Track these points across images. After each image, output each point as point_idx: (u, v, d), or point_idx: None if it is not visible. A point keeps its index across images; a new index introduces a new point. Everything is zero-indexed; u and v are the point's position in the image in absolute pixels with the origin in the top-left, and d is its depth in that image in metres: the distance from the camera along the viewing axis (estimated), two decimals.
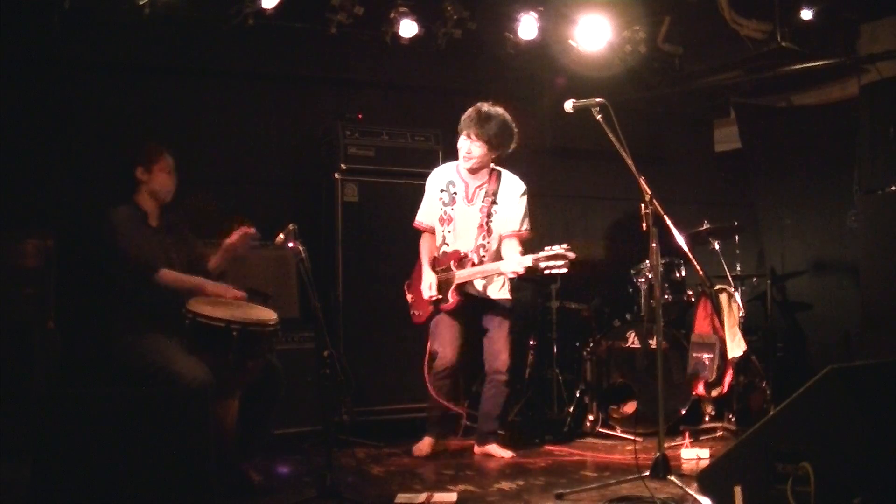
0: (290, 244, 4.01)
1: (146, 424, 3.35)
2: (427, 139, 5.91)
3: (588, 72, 6.29)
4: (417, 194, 5.80)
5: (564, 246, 4.48)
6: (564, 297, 5.98)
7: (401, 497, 3.97)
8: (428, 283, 4.88)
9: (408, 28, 5.76)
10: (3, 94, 5.09)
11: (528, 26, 5.98)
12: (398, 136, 5.84)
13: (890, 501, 2.71)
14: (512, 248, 4.85)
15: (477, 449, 5.02)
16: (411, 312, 5.07)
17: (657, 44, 6.43)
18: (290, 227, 4.03)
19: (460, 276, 4.82)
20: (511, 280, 4.92)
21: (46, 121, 5.28)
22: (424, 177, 5.68)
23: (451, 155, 6.00)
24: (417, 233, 5.78)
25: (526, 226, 4.93)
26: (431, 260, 4.98)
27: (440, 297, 4.87)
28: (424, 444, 5.00)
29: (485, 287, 4.90)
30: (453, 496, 4.01)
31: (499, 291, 4.94)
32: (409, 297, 5.09)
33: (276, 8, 5.33)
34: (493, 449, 4.96)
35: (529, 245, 4.93)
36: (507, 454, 4.93)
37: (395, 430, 5.46)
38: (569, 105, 4.23)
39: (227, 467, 3.96)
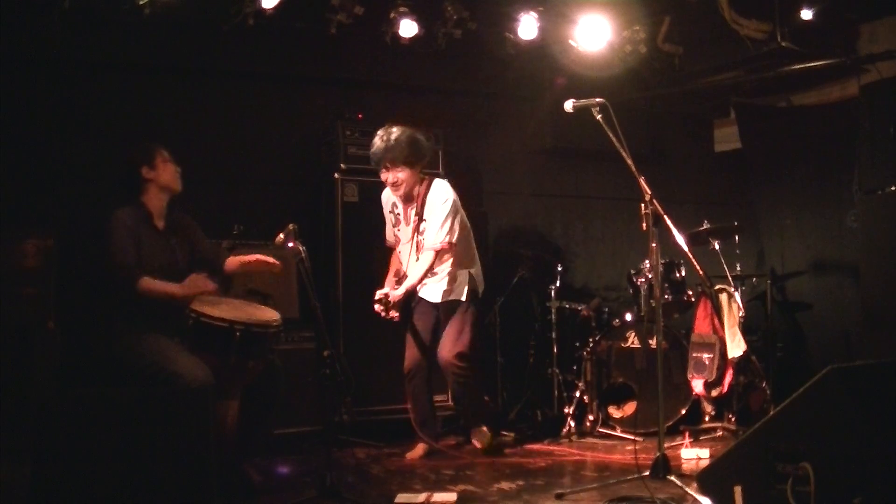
0: (290, 244, 4.01)
1: (146, 424, 3.35)
2: (427, 139, 5.89)
3: (588, 72, 6.29)
4: None
5: (383, 291, 4.73)
6: (564, 297, 5.98)
7: (401, 497, 3.98)
8: (378, 299, 4.82)
9: (408, 28, 5.76)
10: (4, 94, 5.08)
11: (528, 26, 5.98)
12: None
13: (890, 501, 2.71)
14: (422, 262, 4.84)
15: (473, 441, 5.05)
16: None
17: (657, 44, 6.43)
18: (290, 227, 4.03)
19: (391, 293, 4.81)
20: (449, 279, 4.93)
21: (47, 121, 5.28)
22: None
23: (451, 155, 6.02)
24: None
25: (442, 238, 4.82)
26: (394, 273, 5.02)
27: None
28: (417, 450, 5.00)
29: (420, 290, 4.93)
30: (453, 496, 4.01)
31: (432, 295, 4.95)
32: None
33: (276, 8, 5.32)
34: (478, 434, 4.98)
35: (458, 255, 4.94)
36: (485, 437, 4.94)
37: (395, 430, 5.46)
38: (569, 105, 4.23)
39: (227, 467, 3.96)
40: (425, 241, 4.88)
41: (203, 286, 4.01)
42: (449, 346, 4.90)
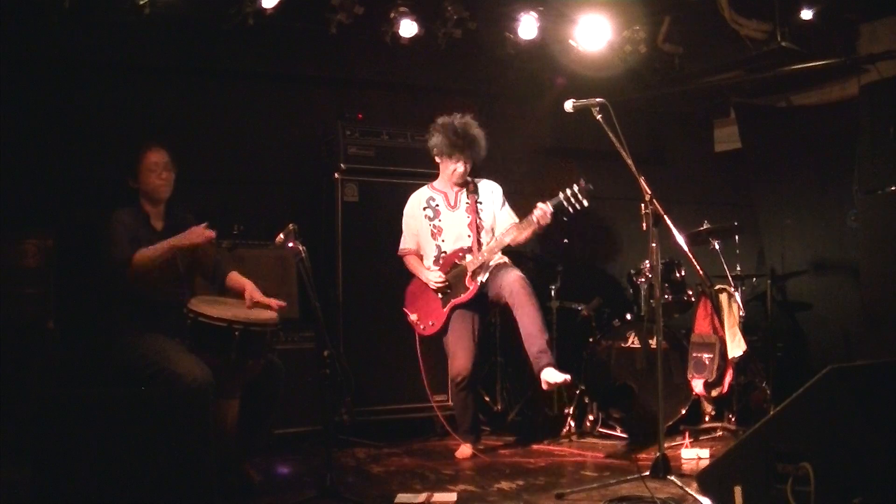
0: (290, 244, 4.01)
1: (146, 424, 3.36)
2: (427, 139, 5.91)
3: (588, 72, 6.29)
4: None
5: (581, 183, 4.75)
6: (564, 297, 5.98)
7: (401, 497, 3.98)
8: (436, 276, 4.97)
9: (408, 28, 5.76)
10: (3, 93, 5.09)
11: (528, 26, 5.98)
12: (398, 136, 5.85)
13: (890, 501, 2.71)
14: (509, 233, 4.97)
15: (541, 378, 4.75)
16: (419, 328, 5.08)
17: (657, 44, 6.43)
18: (290, 227, 4.03)
19: (475, 261, 4.92)
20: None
21: (46, 121, 5.28)
22: (425, 176, 5.66)
23: None
24: None
25: (514, 216, 5.10)
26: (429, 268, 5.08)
27: (450, 290, 4.96)
28: (465, 449, 5.00)
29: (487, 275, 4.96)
30: (453, 496, 4.01)
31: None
32: (411, 316, 5.10)
33: (276, 8, 5.32)
34: (549, 374, 4.65)
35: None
36: (562, 377, 4.63)
37: (395, 430, 5.47)
38: (569, 105, 4.23)
39: (227, 467, 3.97)
40: (500, 223, 5.04)
41: (203, 233, 3.97)
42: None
